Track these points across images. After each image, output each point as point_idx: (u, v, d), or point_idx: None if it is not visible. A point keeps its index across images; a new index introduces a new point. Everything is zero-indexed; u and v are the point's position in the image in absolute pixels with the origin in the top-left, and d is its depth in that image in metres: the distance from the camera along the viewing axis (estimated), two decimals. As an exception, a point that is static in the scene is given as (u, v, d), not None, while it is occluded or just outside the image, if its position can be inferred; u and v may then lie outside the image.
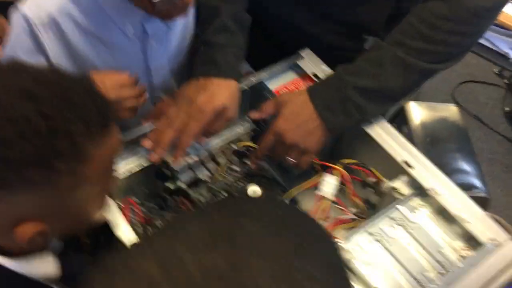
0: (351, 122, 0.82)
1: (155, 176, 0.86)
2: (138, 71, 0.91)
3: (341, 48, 1.03)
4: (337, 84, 0.82)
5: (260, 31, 1.21)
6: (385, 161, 0.83)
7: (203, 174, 0.90)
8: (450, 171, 1.78)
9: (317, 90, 0.83)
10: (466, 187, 1.71)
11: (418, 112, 1.95)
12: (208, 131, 0.84)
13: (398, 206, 0.78)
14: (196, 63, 0.86)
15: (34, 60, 0.80)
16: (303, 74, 0.92)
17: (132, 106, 0.83)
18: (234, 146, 0.95)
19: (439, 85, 2.33)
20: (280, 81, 0.92)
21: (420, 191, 0.79)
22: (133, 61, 0.90)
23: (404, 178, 0.81)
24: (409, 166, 0.80)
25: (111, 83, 0.79)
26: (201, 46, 0.87)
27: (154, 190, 0.90)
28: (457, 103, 2.22)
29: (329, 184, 0.81)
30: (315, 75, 0.90)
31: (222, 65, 0.83)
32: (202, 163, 0.91)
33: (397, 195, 0.80)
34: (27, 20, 0.78)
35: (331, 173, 0.83)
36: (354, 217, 0.82)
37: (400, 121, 1.98)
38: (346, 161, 0.83)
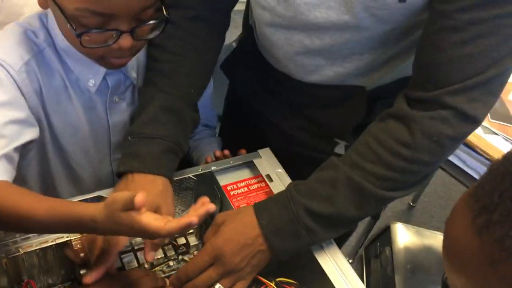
0: (299, 245, 0.73)
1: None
2: (100, 127, 0.89)
3: (312, 147, 0.98)
4: (287, 203, 0.73)
5: (235, 119, 1.19)
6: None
7: (130, 264, 0.82)
8: (429, 305, 1.64)
9: (265, 208, 0.73)
10: (445, 327, 1.56)
11: (403, 235, 1.83)
12: (152, 243, 0.73)
13: None
14: (121, 155, 0.79)
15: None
16: (257, 174, 0.86)
17: None
18: (173, 241, 0.87)
19: (434, 210, 2.24)
20: (232, 177, 0.85)
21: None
22: (96, 116, 0.87)
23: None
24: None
25: None
26: (126, 138, 0.80)
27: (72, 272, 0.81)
28: (449, 233, 2.12)
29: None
30: (269, 177, 0.84)
31: (146, 158, 0.75)
32: (133, 251, 0.83)
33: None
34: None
35: (263, 290, 0.73)
36: None
37: (384, 241, 1.87)
38: (282, 279, 0.73)
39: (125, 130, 0.91)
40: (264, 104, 1.00)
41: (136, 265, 0.82)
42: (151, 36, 0.76)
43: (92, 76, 0.81)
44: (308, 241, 0.72)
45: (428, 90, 0.70)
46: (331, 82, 0.87)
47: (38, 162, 0.88)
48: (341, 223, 0.74)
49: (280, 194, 0.75)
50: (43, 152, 0.87)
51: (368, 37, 0.78)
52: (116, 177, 0.79)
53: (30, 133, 0.76)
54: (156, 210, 0.72)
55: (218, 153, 0.99)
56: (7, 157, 0.70)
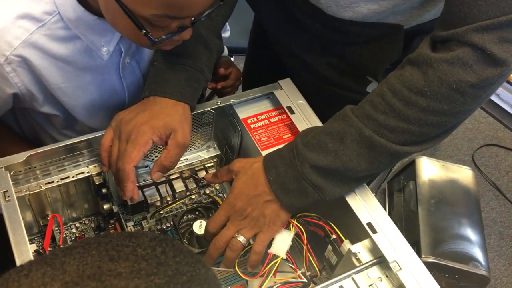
0: (309, 201, 0.69)
1: (96, 193, 0.78)
2: (114, 91, 0.86)
3: (342, 85, 0.94)
4: (292, 159, 0.68)
5: (261, 53, 1.14)
6: (351, 220, 0.71)
7: (152, 198, 0.82)
8: (451, 236, 1.63)
9: (272, 163, 0.70)
10: (466, 259, 1.56)
11: (428, 169, 1.81)
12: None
13: (353, 276, 0.67)
14: (147, 82, 0.77)
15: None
16: (278, 106, 0.83)
17: None
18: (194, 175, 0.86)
19: (461, 143, 2.19)
20: (252, 109, 0.82)
21: (382, 260, 0.67)
22: (111, 80, 0.84)
23: (368, 243, 0.69)
24: (373, 230, 0.68)
25: None
26: (152, 64, 0.77)
27: (95, 205, 0.82)
28: (476, 166, 2.07)
29: (282, 241, 0.70)
30: (290, 109, 0.80)
31: (172, 85, 0.73)
32: (155, 185, 0.83)
33: (355, 261, 0.69)
34: None
35: (287, 228, 0.72)
36: (304, 280, 0.70)
37: (408, 175, 1.85)
38: (305, 214, 0.72)
39: (139, 88, 0.89)
40: (291, 38, 0.94)
41: (158, 198, 0.82)
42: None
43: (105, 43, 0.77)
44: (317, 197, 0.68)
45: (455, 26, 0.62)
46: (365, 20, 0.80)
47: (57, 132, 0.90)
48: (351, 178, 0.69)
49: (288, 146, 0.71)
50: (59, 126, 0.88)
51: None
52: None
53: None
54: (172, 134, 0.71)
55: (222, 71, 0.98)
56: None
